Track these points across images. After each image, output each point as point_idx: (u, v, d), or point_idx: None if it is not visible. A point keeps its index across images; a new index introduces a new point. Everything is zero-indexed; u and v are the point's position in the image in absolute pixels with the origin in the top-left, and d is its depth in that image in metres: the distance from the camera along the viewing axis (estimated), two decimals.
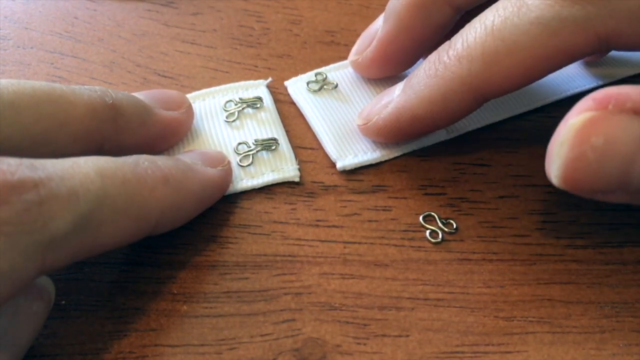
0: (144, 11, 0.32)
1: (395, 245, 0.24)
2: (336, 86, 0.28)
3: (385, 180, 0.26)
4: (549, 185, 0.20)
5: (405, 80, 0.25)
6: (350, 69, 0.29)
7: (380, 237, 0.24)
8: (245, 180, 0.25)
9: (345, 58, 0.29)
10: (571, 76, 0.29)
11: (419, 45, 0.27)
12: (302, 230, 0.24)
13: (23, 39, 0.30)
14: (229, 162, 0.25)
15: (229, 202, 0.25)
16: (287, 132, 0.27)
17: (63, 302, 0.21)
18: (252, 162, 0.25)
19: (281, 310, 0.22)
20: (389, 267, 0.23)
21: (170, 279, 0.22)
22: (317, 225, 0.24)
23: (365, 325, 0.21)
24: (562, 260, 0.23)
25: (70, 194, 0.17)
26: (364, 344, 0.21)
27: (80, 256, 0.18)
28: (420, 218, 0.24)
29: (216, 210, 0.24)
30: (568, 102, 0.28)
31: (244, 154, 0.26)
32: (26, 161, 0.17)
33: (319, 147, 0.27)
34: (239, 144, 0.26)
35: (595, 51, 0.22)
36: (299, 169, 0.26)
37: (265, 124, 0.27)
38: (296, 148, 0.26)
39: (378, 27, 0.27)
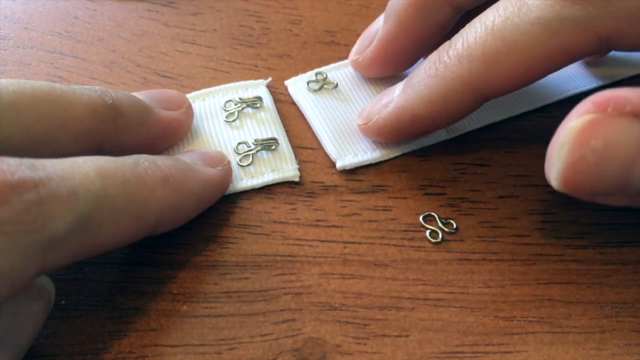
0: (144, 11, 0.32)
1: (395, 245, 0.24)
2: (336, 86, 0.28)
3: (385, 180, 0.26)
4: (549, 185, 0.20)
5: (405, 80, 0.25)
6: (351, 69, 0.29)
7: (380, 237, 0.24)
8: (245, 180, 0.25)
9: (345, 58, 0.29)
10: (571, 76, 0.29)
11: (419, 45, 0.27)
12: (302, 230, 0.24)
13: (23, 39, 0.30)
14: (228, 162, 0.25)
15: (229, 202, 0.25)
16: (287, 132, 0.27)
17: (63, 302, 0.21)
18: (252, 162, 0.25)
19: (281, 310, 0.22)
20: (389, 267, 0.23)
21: (170, 279, 0.22)
22: (317, 225, 0.24)
23: (365, 325, 0.21)
24: (562, 260, 0.23)
25: (70, 194, 0.17)
26: (364, 344, 0.21)
27: (80, 256, 0.18)
28: (420, 218, 0.24)
29: (216, 210, 0.24)
30: (568, 102, 0.28)
31: (244, 154, 0.26)
32: (26, 161, 0.17)
33: (319, 147, 0.27)
34: (239, 143, 0.26)
35: (596, 51, 0.22)
36: (299, 169, 0.26)
37: (265, 124, 0.27)
38: (296, 148, 0.26)
39: (378, 27, 0.27)
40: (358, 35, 0.29)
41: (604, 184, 0.18)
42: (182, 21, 0.32)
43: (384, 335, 0.21)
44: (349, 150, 0.26)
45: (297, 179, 0.25)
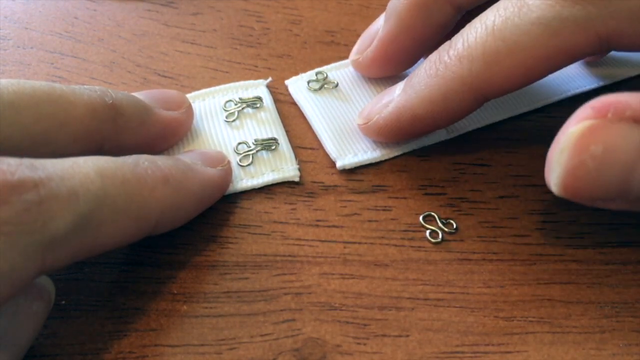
0: (144, 11, 0.32)
1: (395, 245, 0.24)
2: (337, 85, 0.28)
3: (385, 180, 0.26)
4: None
5: (405, 79, 0.25)
6: (351, 68, 0.29)
7: (380, 237, 0.24)
8: (245, 180, 0.25)
9: (345, 58, 0.29)
10: (572, 76, 0.29)
11: (419, 45, 0.27)
12: (302, 230, 0.24)
13: (23, 39, 0.30)
14: (228, 162, 0.25)
15: (229, 202, 0.25)
16: (287, 132, 0.27)
17: (63, 302, 0.21)
18: (252, 162, 0.25)
19: (281, 310, 0.22)
20: (389, 267, 0.23)
21: (170, 279, 0.22)
22: (317, 225, 0.24)
23: (365, 325, 0.21)
24: (562, 260, 0.23)
25: (70, 194, 0.17)
26: (364, 344, 0.21)
27: (80, 256, 0.18)
28: (420, 218, 0.24)
29: (216, 210, 0.24)
30: (568, 102, 0.28)
31: (244, 154, 0.26)
32: (26, 161, 0.17)
33: (319, 147, 0.27)
34: (239, 143, 0.26)
35: (596, 51, 0.22)
36: (299, 169, 0.26)
37: (265, 124, 0.27)
38: (296, 148, 0.26)
39: (379, 27, 0.27)
40: (358, 35, 0.29)
41: (604, 190, 0.18)
42: (182, 21, 0.32)
43: (384, 335, 0.21)
44: (349, 149, 0.26)
45: (297, 179, 0.25)
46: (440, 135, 0.27)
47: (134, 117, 0.23)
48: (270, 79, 0.29)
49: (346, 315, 0.22)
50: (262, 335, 0.21)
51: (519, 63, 0.22)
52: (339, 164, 0.26)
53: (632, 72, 0.30)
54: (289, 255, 0.23)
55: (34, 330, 0.19)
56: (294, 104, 0.28)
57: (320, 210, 0.25)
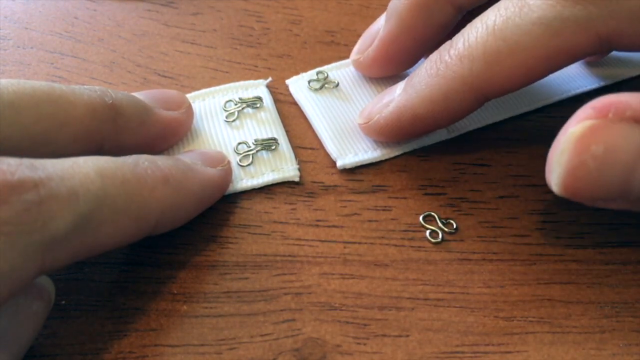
0: (144, 11, 0.32)
1: (395, 245, 0.24)
2: (337, 85, 0.28)
3: (385, 180, 0.26)
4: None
5: (406, 79, 0.25)
6: (352, 68, 0.29)
7: (380, 237, 0.24)
8: (245, 180, 0.25)
9: (345, 58, 0.29)
10: (572, 76, 0.29)
11: (420, 45, 0.27)
12: (302, 230, 0.24)
13: (23, 39, 0.30)
14: (228, 162, 0.25)
15: (229, 202, 0.25)
16: (287, 132, 0.27)
17: (63, 302, 0.21)
18: (252, 162, 0.25)
19: (281, 310, 0.22)
20: (389, 267, 0.23)
21: (170, 279, 0.22)
22: (317, 225, 0.24)
23: (365, 325, 0.21)
24: (562, 260, 0.23)
25: (70, 194, 0.17)
26: (364, 344, 0.21)
27: (80, 256, 0.18)
28: (420, 218, 0.24)
29: (216, 210, 0.24)
30: (569, 102, 0.28)
31: (244, 154, 0.26)
32: (26, 161, 0.17)
33: (319, 147, 0.27)
34: (239, 143, 0.26)
35: (597, 51, 0.22)
36: (299, 169, 0.26)
37: (265, 124, 0.27)
38: (296, 148, 0.26)
39: (380, 27, 0.27)
40: (358, 35, 0.29)
41: (605, 190, 0.18)
42: (182, 21, 0.32)
43: (384, 335, 0.21)
44: (350, 149, 0.26)
45: (297, 179, 0.25)
46: (441, 135, 0.27)
47: (134, 117, 0.23)
48: (270, 79, 0.29)
49: (346, 315, 0.22)
50: (262, 335, 0.21)
51: (520, 63, 0.22)
52: (340, 164, 0.26)
53: (633, 72, 0.30)
54: (289, 255, 0.23)
55: (34, 330, 0.19)
56: (294, 104, 0.28)
57: (320, 210, 0.25)
